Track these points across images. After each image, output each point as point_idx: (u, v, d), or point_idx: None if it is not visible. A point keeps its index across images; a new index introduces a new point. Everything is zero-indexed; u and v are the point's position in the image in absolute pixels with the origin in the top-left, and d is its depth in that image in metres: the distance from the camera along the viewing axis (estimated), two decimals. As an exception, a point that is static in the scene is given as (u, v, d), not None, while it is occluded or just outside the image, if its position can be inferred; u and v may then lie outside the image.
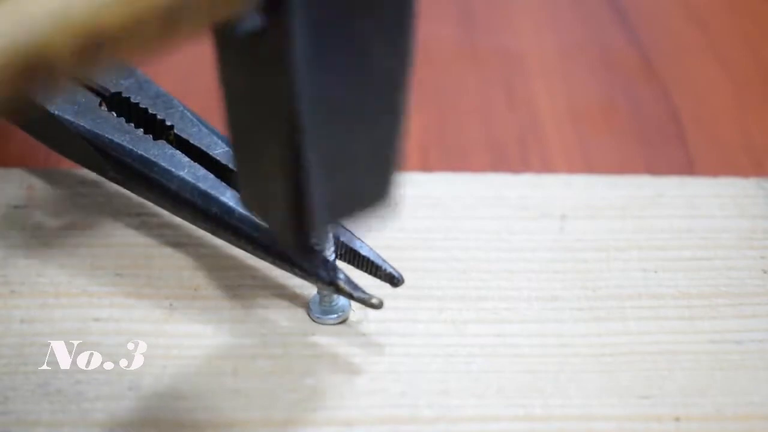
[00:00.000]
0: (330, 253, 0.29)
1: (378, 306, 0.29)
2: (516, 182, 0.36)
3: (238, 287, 0.32)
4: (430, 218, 0.35)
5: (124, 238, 0.33)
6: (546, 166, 0.38)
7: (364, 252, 0.30)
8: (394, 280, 0.30)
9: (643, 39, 0.44)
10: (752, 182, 0.36)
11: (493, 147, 0.39)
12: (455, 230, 0.34)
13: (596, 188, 0.36)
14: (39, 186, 0.35)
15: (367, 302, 0.29)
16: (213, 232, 0.30)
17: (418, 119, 0.40)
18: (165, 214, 0.34)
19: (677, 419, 0.29)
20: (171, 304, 0.32)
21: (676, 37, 0.45)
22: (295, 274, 0.29)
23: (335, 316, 0.31)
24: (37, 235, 0.33)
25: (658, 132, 0.40)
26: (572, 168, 0.38)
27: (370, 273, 0.30)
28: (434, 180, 0.36)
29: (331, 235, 0.29)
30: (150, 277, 0.32)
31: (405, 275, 0.30)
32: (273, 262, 0.30)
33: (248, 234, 0.29)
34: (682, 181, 0.36)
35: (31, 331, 0.31)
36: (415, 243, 0.34)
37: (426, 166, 0.38)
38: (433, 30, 0.45)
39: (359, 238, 0.30)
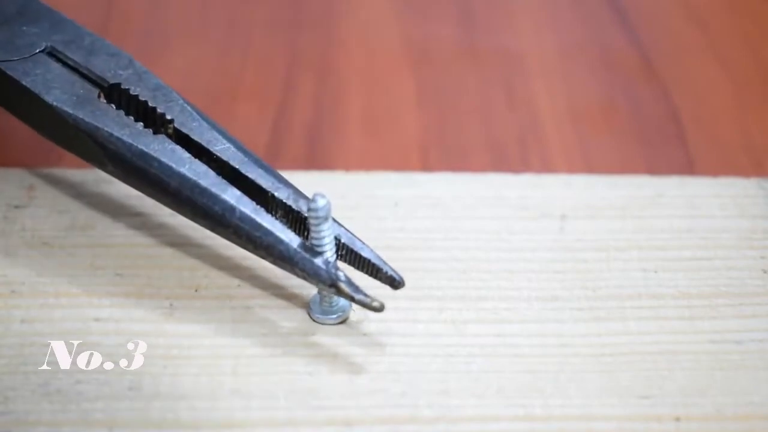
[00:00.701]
0: (331, 254, 0.29)
1: (379, 309, 0.29)
2: (516, 182, 0.36)
3: (238, 287, 0.32)
4: (430, 218, 0.35)
5: (124, 238, 0.33)
6: (546, 166, 0.38)
7: (365, 254, 0.30)
8: (394, 283, 0.30)
9: (643, 39, 0.44)
10: (752, 182, 0.36)
11: (493, 147, 0.39)
12: (455, 230, 0.34)
13: (596, 188, 0.36)
14: (39, 186, 0.35)
15: (368, 305, 0.29)
16: (213, 230, 0.30)
17: (418, 119, 0.40)
18: (165, 213, 0.34)
19: (677, 419, 0.29)
20: (171, 304, 0.32)
21: (676, 37, 0.45)
22: (296, 274, 0.29)
23: (335, 316, 0.31)
24: (37, 235, 0.33)
25: (658, 132, 0.40)
26: (572, 168, 0.38)
27: (371, 275, 0.30)
28: (434, 180, 0.36)
29: (332, 236, 0.29)
30: (150, 277, 0.32)
31: (405, 275, 0.30)
32: (274, 262, 0.30)
33: (249, 233, 0.29)
34: (682, 181, 0.36)
35: (31, 331, 0.31)
36: (415, 243, 0.34)
37: (426, 166, 0.38)
38: (433, 30, 0.45)
39: (360, 240, 0.30)
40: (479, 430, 0.29)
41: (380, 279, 0.30)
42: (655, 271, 0.33)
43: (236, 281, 0.32)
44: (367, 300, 0.29)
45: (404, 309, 0.31)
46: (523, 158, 0.38)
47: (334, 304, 0.31)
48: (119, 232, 0.34)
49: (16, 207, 0.34)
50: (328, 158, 0.38)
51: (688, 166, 0.38)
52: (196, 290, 0.32)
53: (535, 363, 0.30)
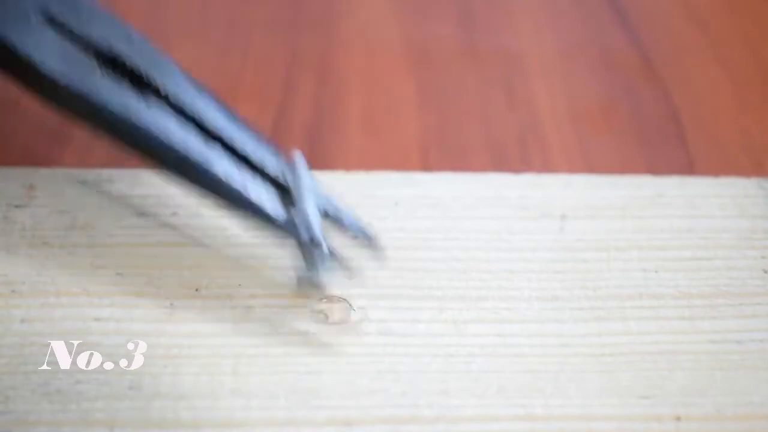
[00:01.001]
0: (315, 220, 0.30)
1: (352, 277, 0.30)
2: (516, 182, 0.36)
3: (239, 287, 0.32)
4: (430, 218, 0.35)
5: (124, 237, 0.33)
6: (546, 166, 0.38)
7: (346, 221, 0.31)
8: (373, 244, 0.31)
9: (643, 39, 0.44)
10: (752, 182, 0.36)
11: (493, 147, 0.39)
12: (455, 230, 0.34)
13: (596, 188, 0.36)
14: (39, 185, 0.35)
15: (344, 268, 0.30)
16: (204, 198, 0.31)
17: (418, 119, 0.40)
18: (166, 213, 0.34)
19: (677, 419, 0.29)
20: (171, 304, 0.32)
21: (676, 37, 0.45)
22: (279, 237, 0.30)
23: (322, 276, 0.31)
24: (37, 235, 0.33)
25: (658, 132, 0.40)
26: (572, 168, 0.38)
27: (353, 240, 0.31)
28: (434, 180, 0.36)
29: (315, 202, 0.30)
30: (150, 277, 0.32)
31: (405, 275, 0.30)
32: (257, 227, 0.31)
33: (238, 199, 0.30)
34: (682, 181, 0.36)
35: (31, 330, 0.31)
36: (415, 243, 0.34)
37: (426, 166, 0.38)
38: (433, 30, 0.45)
39: (343, 207, 0.31)
40: (479, 430, 0.29)
41: (363, 245, 0.31)
42: (655, 271, 0.33)
43: (237, 281, 0.32)
44: (344, 263, 0.30)
45: (404, 309, 0.31)
46: (523, 158, 0.38)
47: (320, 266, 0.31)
48: (120, 232, 0.34)
49: (17, 206, 0.34)
50: (328, 158, 0.38)
51: (688, 166, 0.38)
52: (196, 290, 0.32)
53: (535, 363, 0.30)
